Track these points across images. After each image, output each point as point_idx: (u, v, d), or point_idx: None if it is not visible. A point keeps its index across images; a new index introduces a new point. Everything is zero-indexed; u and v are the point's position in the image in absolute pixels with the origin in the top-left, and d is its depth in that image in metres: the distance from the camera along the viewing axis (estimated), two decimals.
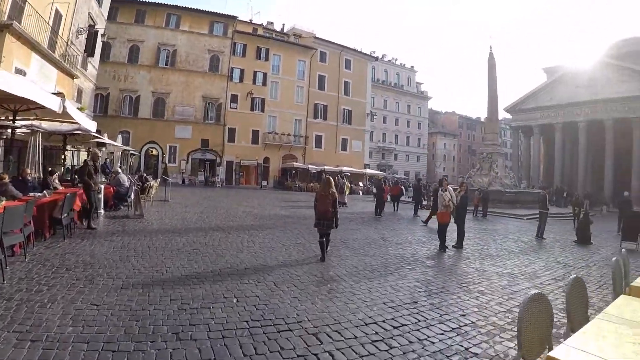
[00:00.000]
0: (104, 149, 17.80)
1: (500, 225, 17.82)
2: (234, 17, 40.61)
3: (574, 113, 40.82)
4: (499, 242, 12.48)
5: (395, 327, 4.72)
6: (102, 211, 12.34)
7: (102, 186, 12.47)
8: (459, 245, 10.87)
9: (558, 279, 7.94)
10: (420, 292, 6.34)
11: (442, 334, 4.66)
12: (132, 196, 13.28)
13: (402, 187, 27.56)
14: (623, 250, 5.81)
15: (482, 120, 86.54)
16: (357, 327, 4.61)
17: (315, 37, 46.92)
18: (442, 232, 10.45)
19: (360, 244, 10.46)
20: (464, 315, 5.36)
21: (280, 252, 8.72)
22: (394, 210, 21.49)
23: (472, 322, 5.12)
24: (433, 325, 4.91)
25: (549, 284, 7.49)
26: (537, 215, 21.47)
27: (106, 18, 29.38)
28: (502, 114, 44.81)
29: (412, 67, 72.18)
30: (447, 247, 10.43)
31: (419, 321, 5.01)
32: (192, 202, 19.05)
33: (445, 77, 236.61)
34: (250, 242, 9.55)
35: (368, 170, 47.54)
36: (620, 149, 37.37)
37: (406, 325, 4.83)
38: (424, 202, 23.27)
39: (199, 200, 20.36)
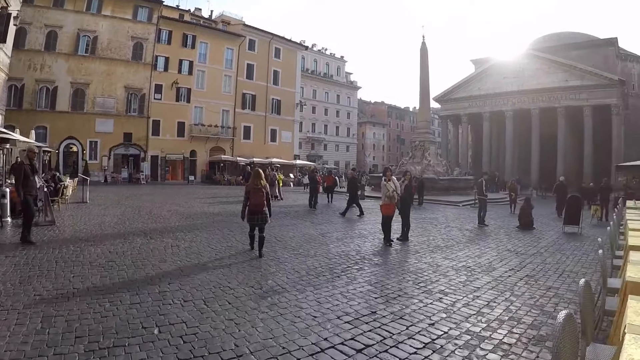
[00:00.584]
0: (8, 145, 15.55)
1: (439, 213, 17.85)
2: (160, 2, 38.30)
3: (501, 102, 43.37)
4: (444, 232, 12.22)
5: (358, 351, 3.86)
6: (8, 219, 10.63)
7: (8, 190, 10.79)
8: (404, 237, 10.39)
9: (515, 269, 7.64)
10: (376, 298, 5.57)
11: (415, 353, 3.89)
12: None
13: (336, 177, 27.08)
14: (599, 239, 5.39)
15: (411, 109, 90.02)
16: (312, 356, 3.69)
17: (245, 25, 45.81)
18: (386, 225, 9.83)
19: (298, 242, 9.59)
20: (432, 324, 4.67)
21: (209, 258, 7.65)
22: (328, 202, 20.93)
23: (445, 333, 4.43)
24: (402, 342, 4.13)
25: (509, 275, 7.12)
26: (473, 202, 22.05)
27: (21, 0, 26.01)
28: (431, 104, 46.28)
29: (342, 57, 72.99)
30: (393, 241, 9.86)
31: (384, 338, 4.20)
32: (112, 203, 17.51)
33: (374, 67, 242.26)
34: (175, 248, 8.39)
35: (298, 161, 47.09)
36: (545, 136, 40.24)
37: (370, 346, 3.99)
38: (359, 193, 22.90)
39: (121, 200, 18.87)
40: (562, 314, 2.43)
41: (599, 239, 5.38)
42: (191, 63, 40.65)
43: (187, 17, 43.15)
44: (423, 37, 31.21)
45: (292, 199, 23.15)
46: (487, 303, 5.53)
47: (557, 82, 39.47)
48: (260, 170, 8.29)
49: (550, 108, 39.70)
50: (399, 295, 5.71)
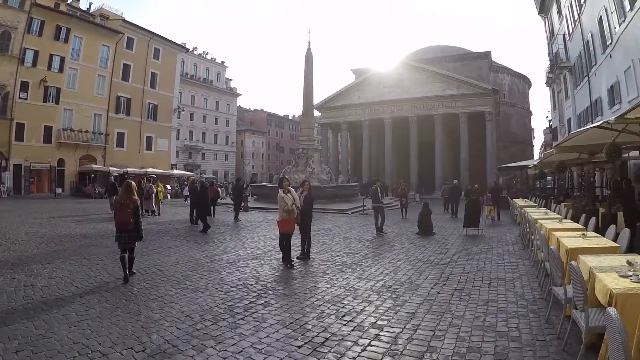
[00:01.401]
0: None
1: (331, 223, 17.21)
2: None
3: (380, 110, 45.34)
4: (344, 245, 11.37)
5: None
6: None
7: None
8: (305, 256, 9.26)
9: (439, 283, 7.02)
10: (299, 347, 4.28)
11: None
12: None
13: (219, 188, 25.24)
14: (552, 247, 4.77)
15: (291, 117, 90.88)
16: None
17: (124, 21, 42.58)
18: (285, 244, 8.61)
19: (184, 270, 7.88)
20: None
21: (72, 300, 5.81)
22: (211, 215, 19.06)
23: None
24: None
25: (437, 292, 6.42)
26: (361, 209, 22.00)
27: None
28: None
29: (223, 62, 71.32)
30: (293, 261, 8.65)
31: None
32: None
33: (254, 73, 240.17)
34: (29, 289, 6.35)
35: (175, 171, 44.75)
36: (423, 143, 42.93)
37: None
38: (242, 204, 21.48)
39: None
40: None
41: (551, 247, 4.77)
42: (63, 59, 36.26)
43: (63, 8, 38.20)
44: (309, 43, 31.06)
45: (170, 213, 20.99)
46: (432, 333, 4.64)
47: (434, 91, 42.52)
48: (132, 183, 7.22)
49: (428, 116, 42.48)
50: (327, 339, 4.48)
